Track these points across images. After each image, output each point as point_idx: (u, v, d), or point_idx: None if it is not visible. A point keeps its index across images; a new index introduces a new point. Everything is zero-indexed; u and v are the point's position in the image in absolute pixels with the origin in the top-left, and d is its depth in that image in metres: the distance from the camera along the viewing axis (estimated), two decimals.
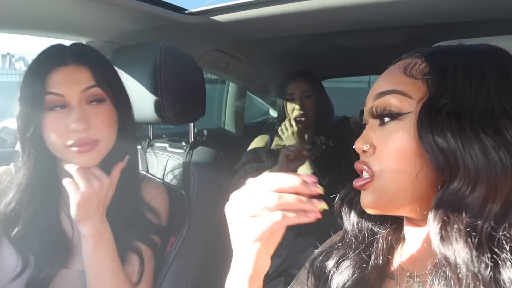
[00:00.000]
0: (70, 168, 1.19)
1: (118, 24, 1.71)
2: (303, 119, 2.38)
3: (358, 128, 0.88)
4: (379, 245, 0.88)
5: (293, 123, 2.34)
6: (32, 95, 1.17)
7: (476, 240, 0.67)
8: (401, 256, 0.86)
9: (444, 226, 0.70)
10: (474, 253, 0.66)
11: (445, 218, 0.70)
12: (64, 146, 1.19)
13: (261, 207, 0.71)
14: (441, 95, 0.73)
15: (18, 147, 1.26)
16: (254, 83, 3.05)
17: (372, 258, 0.86)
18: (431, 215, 0.72)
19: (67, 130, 1.18)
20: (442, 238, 0.70)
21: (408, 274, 0.82)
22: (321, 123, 2.47)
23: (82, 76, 1.21)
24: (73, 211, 1.18)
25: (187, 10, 1.76)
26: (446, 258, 0.69)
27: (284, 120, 2.43)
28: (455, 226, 0.68)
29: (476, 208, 0.69)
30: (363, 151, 0.82)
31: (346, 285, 0.85)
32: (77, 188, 1.17)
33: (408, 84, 0.77)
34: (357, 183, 0.82)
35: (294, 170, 2.06)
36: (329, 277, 0.90)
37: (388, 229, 0.89)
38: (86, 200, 1.18)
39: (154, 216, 1.38)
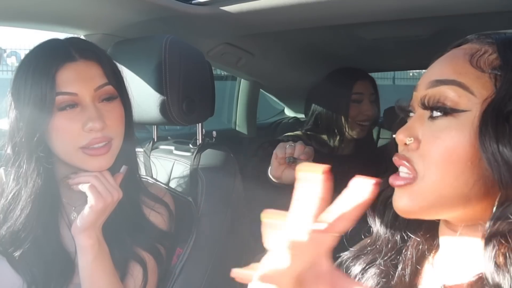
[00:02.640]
0: (89, 176, 1.21)
1: (118, 16, 1.71)
2: (366, 123, 2.27)
3: (403, 114, 0.85)
4: (408, 253, 0.85)
5: (350, 133, 2.24)
6: (40, 96, 1.15)
7: None
8: (433, 266, 0.84)
9: (502, 251, 0.66)
10: None
11: (503, 241, 0.66)
12: (77, 148, 1.20)
13: None
14: (511, 97, 0.68)
15: (9, 150, 1.25)
16: (268, 79, 3.03)
17: (399, 267, 0.85)
18: (485, 238, 0.68)
19: (81, 130, 1.19)
20: (497, 265, 0.66)
21: (442, 285, 0.79)
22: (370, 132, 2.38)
23: (93, 72, 1.23)
24: (84, 219, 1.19)
25: None
26: (499, 287, 0.65)
27: (332, 122, 2.27)
28: None
29: None
30: (405, 144, 0.78)
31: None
32: (99, 195, 1.19)
33: (473, 77, 0.72)
34: (395, 181, 0.77)
35: (290, 180, 1.74)
36: None
37: (421, 237, 0.86)
38: (103, 210, 1.20)
39: (158, 223, 1.38)
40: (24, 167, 1.20)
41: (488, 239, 0.68)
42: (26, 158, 1.20)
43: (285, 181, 1.79)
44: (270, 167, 1.84)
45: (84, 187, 1.19)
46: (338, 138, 2.28)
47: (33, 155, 1.19)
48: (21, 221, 1.19)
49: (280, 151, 1.75)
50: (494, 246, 0.67)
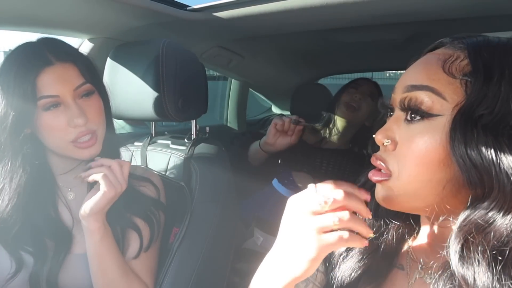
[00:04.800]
0: (103, 168, 1.23)
1: (120, 21, 1.71)
2: (354, 105, 2.25)
3: (385, 111, 0.84)
4: (389, 235, 0.86)
5: (337, 114, 2.28)
6: (23, 100, 1.16)
7: (501, 265, 0.63)
8: (412, 248, 0.85)
9: (467, 245, 0.66)
10: (497, 278, 0.62)
11: (469, 237, 0.66)
12: (68, 142, 1.22)
13: (334, 220, 0.70)
14: (480, 103, 0.67)
15: None
16: (257, 79, 3.03)
17: (382, 247, 0.85)
18: (453, 233, 0.69)
19: (67, 126, 1.21)
20: (462, 257, 0.66)
21: (420, 265, 0.81)
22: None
23: (71, 73, 1.23)
24: (95, 205, 1.20)
25: (189, 6, 1.73)
26: (464, 279, 0.65)
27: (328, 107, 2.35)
28: (480, 248, 0.65)
29: (507, 232, 0.64)
30: (383, 144, 0.77)
31: (354, 271, 0.85)
32: (111, 185, 1.21)
33: (445, 82, 0.70)
34: (373, 176, 0.78)
35: (282, 146, 2.00)
36: (338, 261, 0.89)
37: (402, 222, 0.87)
38: (113, 197, 1.22)
39: (148, 192, 1.42)
40: (10, 164, 1.21)
41: (456, 234, 0.68)
42: (11, 156, 1.21)
43: (277, 147, 2.01)
44: (263, 138, 2.03)
45: (97, 177, 1.21)
46: (329, 126, 2.32)
47: (19, 153, 1.21)
48: (8, 210, 1.21)
49: (279, 120, 1.94)
50: (460, 241, 0.67)
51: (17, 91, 1.16)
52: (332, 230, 0.71)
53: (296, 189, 2.22)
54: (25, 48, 1.24)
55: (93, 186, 1.26)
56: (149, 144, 1.79)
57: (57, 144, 1.24)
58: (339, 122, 2.30)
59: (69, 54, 1.26)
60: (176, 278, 1.40)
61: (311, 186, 0.76)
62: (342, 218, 0.70)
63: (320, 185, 0.74)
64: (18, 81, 1.16)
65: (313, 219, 0.72)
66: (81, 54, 1.33)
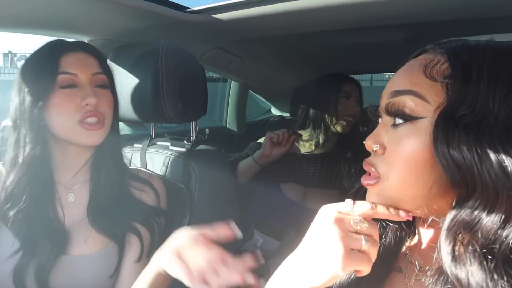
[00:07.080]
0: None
1: (119, 22, 1.71)
2: (351, 119, 2.25)
3: (374, 117, 0.85)
4: (387, 238, 0.87)
5: (335, 127, 2.24)
6: (44, 74, 1.24)
7: (493, 263, 0.64)
8: (409, 250, 0.86)
9: (458, 246, 0.67)
10: (490, 276, 0.63)
11: (458, 237, 0.67)
12: (76, 122, 1.26)
13: (363, 244, 0.72)
14: (461, 104, 0.68)
15: (5, 122, 1.33)
16: (256, 81, 3.03)
17: (380, 249, 0.84)
18: (443, 233, 0.69)
19: (79, 106, 1.26)
20: (454, 258, 0.67)
21: (418, 268, 0.81)
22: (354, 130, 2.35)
23: (91, 61, 1.33)
24: None
25: (188, 8, 1.74)
26: (458, 279, 0.66)
27: (320, 118, 2.28)
28: (470, 247, 0.65)
29: (493, 229, 0.65)
30: (373, 150, 0.79)
31: (352, 274, 0.85)
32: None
33: (427, 86, 0.72)
34: (364, 180, 0.79)
35: (277, 156, 2.14)
36: None
37: (398, 224, 0.87)
38: None
39: (145, 200, 1.41)
40: (24, 135, 1.26)
41: (445, 235, 0.69)
42: (27, 127, 1.25)
43: (273, 157, 2.16)
44: (256, 153, 2.20)
45: None
46: (323, 133, 2.27)
47: (34, 124, 1.25)
48: (15, 182, 1.25)
49: (274, 134, 2.13)
50: (450, 242, 0.68)
51: (41, 66, 1.26)
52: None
53: (286, 200, 2.27)
54: (57, 40, 1.35)
55: (94, 187, 1.31)
56: (148, 145, 1.79)
57: (65, 124, 1.27)
58: (330, 132, 2.28)
59: (94, 51, 1.36)
60: (176, 280, 1.39)
61: (348, 201, 0.76)
62: (372, 244, 0.73)
63: (359, 204, 0.76)
64: (43, 59, 1.28)
65: (346, 238, 0.71)
66: (105, 58, 1.43)
